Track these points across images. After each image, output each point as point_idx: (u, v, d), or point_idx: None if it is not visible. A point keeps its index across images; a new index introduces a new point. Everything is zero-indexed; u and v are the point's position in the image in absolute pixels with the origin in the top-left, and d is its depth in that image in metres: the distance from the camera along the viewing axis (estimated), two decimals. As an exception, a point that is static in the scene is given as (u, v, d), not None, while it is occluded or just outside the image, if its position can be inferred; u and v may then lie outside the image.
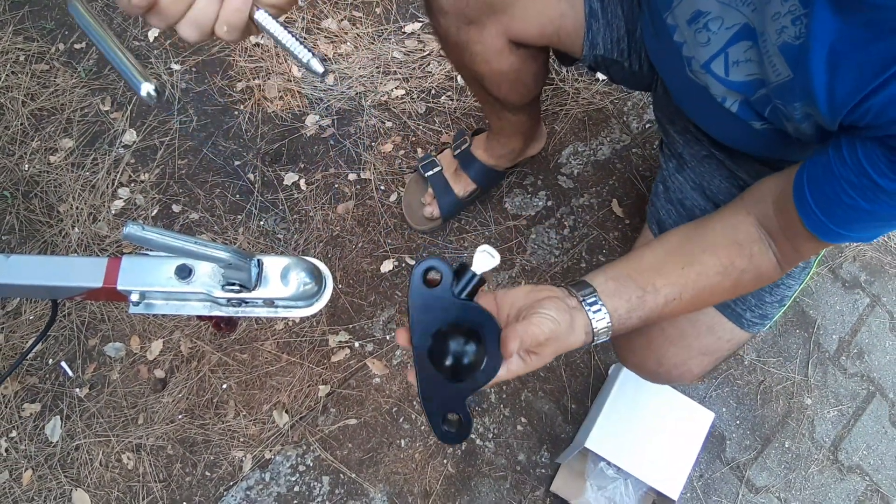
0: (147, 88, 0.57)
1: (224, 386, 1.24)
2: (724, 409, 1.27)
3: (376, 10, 1.52)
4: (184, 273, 0.90)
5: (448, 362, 0.58)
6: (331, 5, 1.50)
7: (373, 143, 1.41)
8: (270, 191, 1.37)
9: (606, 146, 1.38)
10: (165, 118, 1.43)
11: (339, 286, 1.31)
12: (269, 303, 0.94)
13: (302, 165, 1.39)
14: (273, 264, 0.92)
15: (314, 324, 1.29)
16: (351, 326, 1.28)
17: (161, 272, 0.92)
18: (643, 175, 1.36)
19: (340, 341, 1.27)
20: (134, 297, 0.90)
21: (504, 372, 0.60)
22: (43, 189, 1.36)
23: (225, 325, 1.23)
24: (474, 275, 0.60)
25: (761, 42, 0.62)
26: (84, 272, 0.90)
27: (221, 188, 1.38)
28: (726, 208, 0.72)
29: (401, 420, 1.23)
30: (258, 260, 0.90)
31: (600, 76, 1.42)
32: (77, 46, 1.48)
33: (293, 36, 0.55)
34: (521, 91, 1.01)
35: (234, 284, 0.89)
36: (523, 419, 1.23)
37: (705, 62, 0.69)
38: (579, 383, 1.25)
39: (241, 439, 1.21)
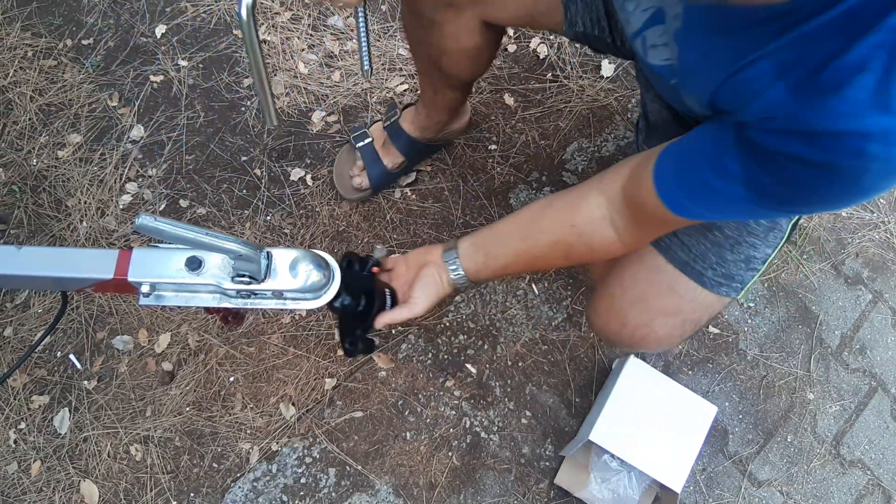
0: (273, 122, 0.76)
1: (231, 379, 1.25)
2: (726, 404, 1.28)
3: (382, 6, 1.53)
4: (194, 265, 0.92)
5: (341, 309, 0.87)
6: (337, 2, 1.51)
7: (378, 139, 1.42)
8: (277, 186, 1.38)
9: (611, 143, 1.39)
10: (173, 114, 1.44)
11: (345, 280, 1.32)
12: (278, 295, 0.95)
13: (308, 161, 1.40)
14: (282, 257, 0.93)
15: (321, 318, 1.30)
16: (357, 320, 1.29)
17: (171, 264, 0.93)
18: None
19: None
20: (144, 289, 0.91)
21: (388, 318, 0.87)
22: (51, 184, 1.38)
23: (232, 318, 1.25)
24: (374, 259, 0.90)
25: (668, 27, 0.64)
26: (95, 264, 0.91)
27: (228, 183, 1.39)
28: (580, 186, 0.79)
29: (406, 413, 1.24)
30: (267, 252, 0.91)
31: (604, 73, 1.43)
32: (85, 42, 1.49)
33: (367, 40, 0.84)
34: (475, 69, 1.07)
35: (243, 276, 0.90)
36: (528, 412, 1.24)
37: (631, 38, 0.72)
38: (583, 377, 1.26)
39: (248, 431, 1.22)
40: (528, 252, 0.83)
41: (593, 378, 1.26)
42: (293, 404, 1.24)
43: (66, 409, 1.21)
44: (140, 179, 1.38)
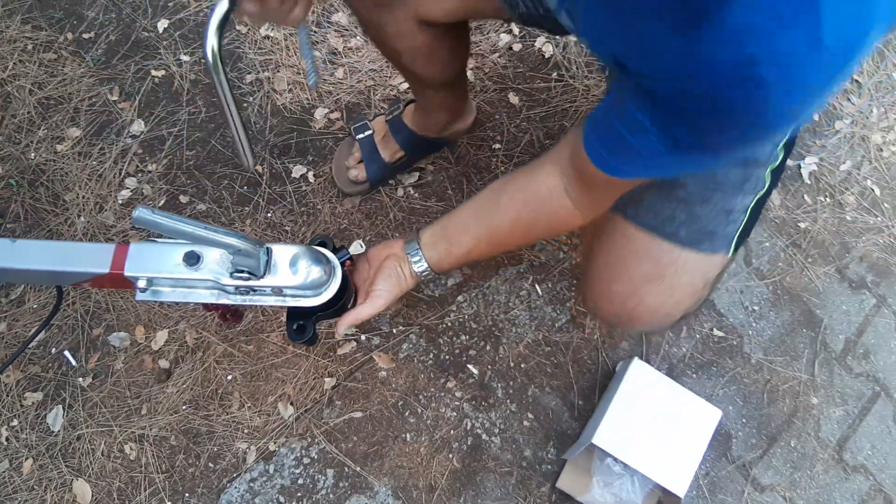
0: (249, 164, 0.75)
1: (229, 377, 1.23)
2: (730, 408, 1.26)
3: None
4: (192, 260, 0.90)
5: None
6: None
7: (381, 137, 1.40)
8: (278, 183, 1.37)
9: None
10: (174, 109, 1.42)
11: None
12: (278, 291, 0.94)
13: (310, 158, 1.39)
14: (282, 253, 0.92)
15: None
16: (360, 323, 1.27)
17: (169, 259, 0.91)
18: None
19: (346, 334, 1.27)
20: (141, 284, 0.89)
21: (352, 317, 0.89)
22: (49, 178, 1.36)
23: (231, 315, 1.23)
24: (348, 253, 0.88)
25: None
26: (91, 258, 0.90)
27: (229, 179, 1.37)
28: (535, 160, 0.78)
29: (406, 414, 1.22)
30: (267, 248, 0.90)
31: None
32: (85, 36, 1.48)
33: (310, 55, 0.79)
34: (438, 67, 1.05)
35: (242, 272, 0.89)
36: (530, 415, 1.22)
37: (556, 12, 0.72)
38: (586, 379, 1.25)
39: (246, 431, 1.20)
40: (490, 235, 0.82)
41: (597, 381, 1.24)
42: (291, 404, 1.22)
43: (60, 406, 1.19)
44: (139, 175, 1.37)
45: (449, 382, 1.24)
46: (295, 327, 1.00)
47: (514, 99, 1.42)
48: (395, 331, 1.27)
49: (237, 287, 0.91)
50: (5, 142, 1.39)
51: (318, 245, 0.98)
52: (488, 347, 1.26)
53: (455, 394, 1.23)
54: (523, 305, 1.28)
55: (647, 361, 1.22)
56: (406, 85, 1.44)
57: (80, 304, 1.26)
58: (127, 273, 0.88)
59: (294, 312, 0.97)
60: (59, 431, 1.17)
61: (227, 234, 0.81)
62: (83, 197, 1.34)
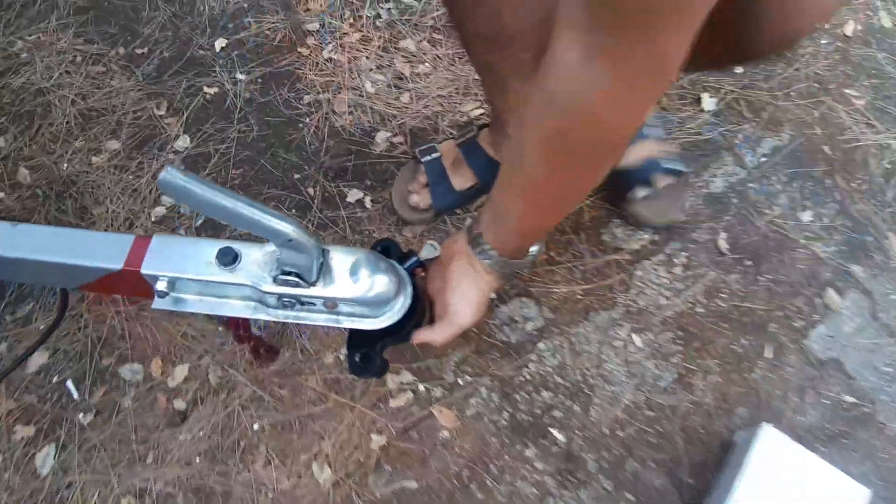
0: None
1: (255, 426, 1.01)
2: (880, 484, 0.99)
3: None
4: (227, 258, 0.71)
5: None
6: (410, 26, 1.41)
7: (450, 164, 1.25)
8: (331, 207, 1.20)
9: (719, 179, 1.20)
10: (224, 126, 1.30)
11: (404, 317, 1.10)
12: (332, 305, 0.73)
13: (368, 183, 1.23)
14: (341, 258, 0.73)
15: (371, 359, 1.07)
16: (416, 366, 1.06)
17: (199, 256, 0.72)
18: (761, 212, 1.17)
19: (402, 383, 1.05)
20: (160, 286, 0.69)
21: (429, 335, 0.79)
22: (79, 190, 1.22)
23: (266, 350, 1.01)
24: (418, 259, 0.77)
25: None
26: (103, 249, 0.70)
27: (277, 201, 1.21)
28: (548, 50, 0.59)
29: (472, 486, 0.97)
30: (323, 249, 0.71)
31: (705, 106, 1.27)
32: (139, 51, 1.39)
33: None
34: (522, 11, 0.81)
35: (290, 275, 0.69)
36: (629, 495, 0.97)
37: None
38: (698, 452, 0.99)
39: (270, 495, 0.96)
40: (525, 180, 0.67)
41: (711, 454, 0.99)
42: (329, 465, 0.99)
43: (53, 444, 0.97)
44: (178, 190, 1.22)
45: (527, 450, 0.99)
46: (358, 358, 0.79)
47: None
48: (460, 381, 1.05)
49: (281, 297, 0.72)
50: (39, 150, 1.27)
51: (381, 250, 0.80)
52: (577, 408, 1.02)
53: (535, 465, 0.98)
54: (619, 359, 1.06)
55: (775, 426, 0.97)
56: (476, 111, 1.31)
57: (92, 328, 1.07)
58: (144, 271, 0.69)
59: (355, 339, 0.79)
60: (46, 475, 0.95)
61: (277, 217, 0.63)
62: (113, 211, 1.19)
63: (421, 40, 1.40)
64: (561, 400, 1.03)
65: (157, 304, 0.71)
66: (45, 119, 1.30)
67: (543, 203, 0.70)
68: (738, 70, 1.32)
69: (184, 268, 0.70)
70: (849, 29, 1.37)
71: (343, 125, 1.29)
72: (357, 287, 0.71)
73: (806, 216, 1.17)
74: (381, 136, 1.28)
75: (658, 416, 1.01)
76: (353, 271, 0.71)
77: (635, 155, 1.08)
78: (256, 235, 0.64)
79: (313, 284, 0.71)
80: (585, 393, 1.03)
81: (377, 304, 0.74)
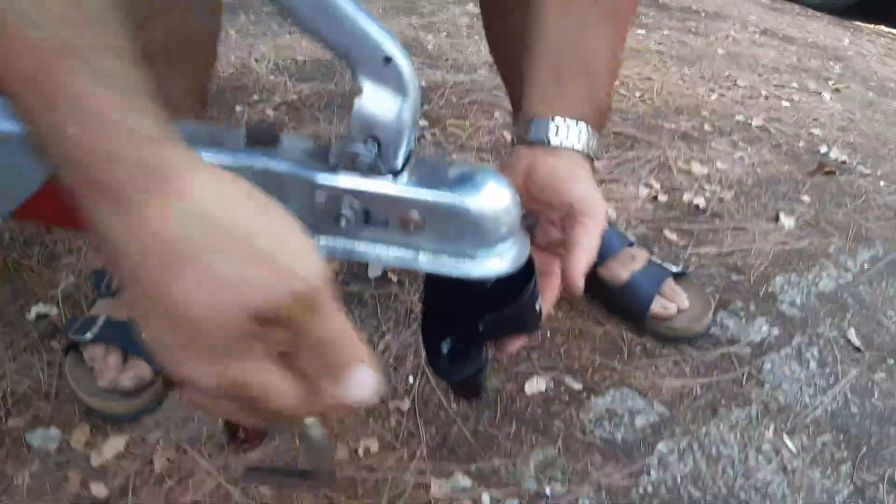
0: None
1: (216, 543, 0.60)
2: None
3: (503, 152, 1.36)
4: (264, 135, 0.47)
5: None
6: (456, 147, 1.34)
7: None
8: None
9: (826, 279, 1.02)
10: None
11: (454, 406, 0.77)
12: (411, 224, 0.47)
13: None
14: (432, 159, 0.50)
15: (403, 455, 0.71)
16: (474, 468, 0.70)
17: (225, 137, 0.49)
18: (885, 313, 0.96)
19: (455, 488, 0.68)
20: None
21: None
22: (52, 237, 0.96)
23: (247, 432, 0.68)
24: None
25: None
26: None
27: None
28: None
29: None
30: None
31: (784, 223, 1.15)
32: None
33: None
34: None
35: (365, 147, 0.44)
36: None
37: None
38: None
39: None
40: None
41: None
42: None
43: None
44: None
45: None
46: (447, 348, 0.51)
47: (671, 235, 1.12)
48: (548, 490, 0.68)
49: (338, 203, 0.45)
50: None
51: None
52: (731, 534, 0.66)
53: None
54: (772, 466, 0.72)
55: None
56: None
57: (9, 380, 0.71)
58: None
59: (439, 316, 0.50)
60: None
61: (365, 16, 0.42)
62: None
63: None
64: (706, 522, 0.66)
65: None
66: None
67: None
68: (805, 199, 1.24)
69: (202, 146, 0.46)
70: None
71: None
72: (462, 192, 0.46)
73: (939, 322, 0.96)
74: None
75: (861, 550, 0.65)
76: (452, 173, 0.47)
77: (629, 268, 0.88)
78: (327, 46, 0.42)
79: (397, 174, 0.45)
80: (740, 513, 0.67)
81: (485, 231, 0.47)
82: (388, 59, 0.42)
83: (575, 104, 0.53)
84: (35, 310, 0.81)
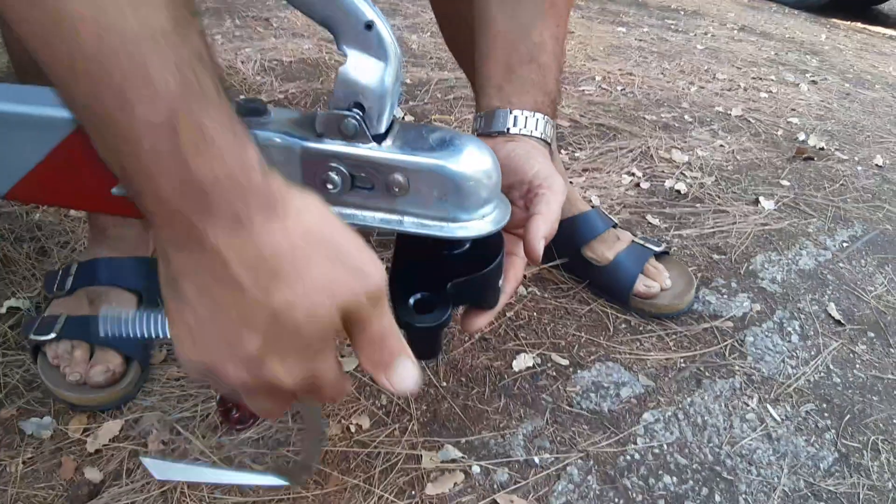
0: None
1: (208, 517, 0.61)
2: None
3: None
4: (253, 106, 0.48)
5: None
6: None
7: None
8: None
9: (806, 257, 1.04)
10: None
11: (444, 384, 0.78)
12: (396, 189, 0.48)
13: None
14: (414, 125, 0.51)
15: (394, 430, 0.72)
16: (464, 441, 0.71)
17: None
18: (864, 289, 0.98)
19: (445, 461, 0.69)
20: None
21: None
22: (44, 234, 0.96)
23: (239, 410, 0.70)
24: None
25: None
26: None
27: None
28: None
29: None
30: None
31: (764, 205, 1.17)
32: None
33: None
34: None
35: (349, 113, 0.45)
36: None
37: None
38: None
39: None
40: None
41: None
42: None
43: None
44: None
45: (658, 559, 0.61)
46: (413, 301, 0.51)
47: (653, 220, 1.13)
48: (537, 459, 0.69)
49: (325, 168, 0.46)
50: (8, 203, 1.04)
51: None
52: (718, 498, 0.67)
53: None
54: (757, 434, 0.74)
55: None
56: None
57: (0, 372, 0.72)
58: None
59: (407, 271, 0.51)
60: None
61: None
62: (80, 252, 0.92)
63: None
64: (693, 488, 0.67)
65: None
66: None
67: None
68: (785, 183, 1.26)
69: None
70: (879, 160, 1.38)
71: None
72: (444, 155, 0.48)
73: (917, 296, 0.99)
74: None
75: (841, 510, 0.66)
76: (434, 138, 0.49)
77: (614, 249, 0.91)
78: (310, 15, 0.43)
79: (381, 139, 0.46)
80: (724, 478, 0.69)
81: (467, 193, 0.48)
82: (369, 26, 0.44)
83: (529, 96, 0.56)
84: (7, 303, 0.81)
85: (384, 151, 0.46)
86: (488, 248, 0.50)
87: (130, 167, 0.30)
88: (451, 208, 0.47)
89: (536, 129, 0.56)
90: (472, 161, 0.47)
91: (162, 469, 0.51)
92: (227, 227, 0.30)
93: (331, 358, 0.35)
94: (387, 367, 0.36)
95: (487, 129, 0.56)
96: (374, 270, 0.34)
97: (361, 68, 0.45)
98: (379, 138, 0.46)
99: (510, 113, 0.56)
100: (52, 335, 0.70)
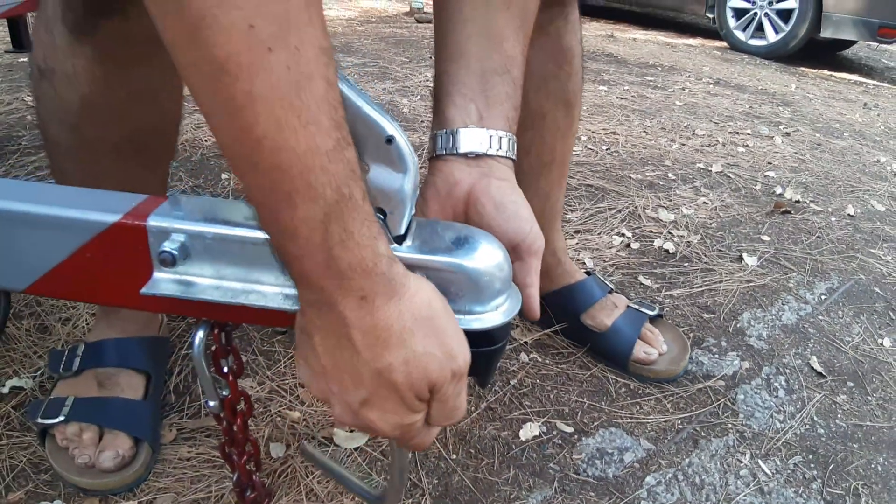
0: None
1: None
2: None
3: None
4: None
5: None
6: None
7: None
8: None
9: (788, 312, 1.10)
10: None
11: (454, 456, 0.83)
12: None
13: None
14: (429, 222, 0.57)
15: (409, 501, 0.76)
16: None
17: (231, 210, 0.53)
18: (842, 339, 1.05)
19: (458, 531, 0.73)
20: (168, 246, 0.48)
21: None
22: (44, 309, 1.01)
23: (254, 491, 0.76)
24: None
25: None
26: (95, 200, 0.52)
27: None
28: None
29: None
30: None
31: (747, 262, 1.24)
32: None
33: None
34: None
35: (377, 215, 0.52)
36: None
37: None
38: None
39: None
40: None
41: None
42: None
43: None
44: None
45: None
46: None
47: (645, 281, 1.20)
48: (547, 527, 0.74)
49: None
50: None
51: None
52: (719, 556, 0.71)
53: None
54: (751, 489, 0.78)
55: None
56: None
57: (7, 454, 0.76)
58: (152, 222, 0.49)
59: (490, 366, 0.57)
60: None
61: (376, 106, 0.51)
62: (82, 328, 0.97)
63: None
64: (695, 547, 0.72)
65: (154, 283, 0.47)
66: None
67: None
68: (766, 238, 1.34)
69: (210, 222, 0.51)
70: (851, 210, 1.47)
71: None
72: (461, 254, 0.54)
73: (887, 342, 1.05)
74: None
75: (838, 561, 0.71)
76: (449, 236, 0.55)
77: (612, 316, 0.97)
78: None
79: (402, 239, 0.53)
80: (726, 536, 0.73)
81: (482, 288, 0.54)
82: (389, 140, 0.50)
83: (502, 111, 0.55)
84: (9, 383, 0.83)
85: (405, 252, 0.51)
86: (495, 330, 0.55)
87: (286, 246, 0.37)
88: (467, 303, 0.53)
89: (511, 151, 0.55)
90: (487, 257, 0.53)
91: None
92: (355, 301, 0.38)
93: (418, 416, 0.42)
94: (441, 424, 0.45)
95: (458, 149, 0.55)
96: (461, 352, 0.42)
97: (383, 178, 0.51)
98: (399, 239, 0.52)
99: (486, 131, 0.54)
100: (61, 418, 0.70)
